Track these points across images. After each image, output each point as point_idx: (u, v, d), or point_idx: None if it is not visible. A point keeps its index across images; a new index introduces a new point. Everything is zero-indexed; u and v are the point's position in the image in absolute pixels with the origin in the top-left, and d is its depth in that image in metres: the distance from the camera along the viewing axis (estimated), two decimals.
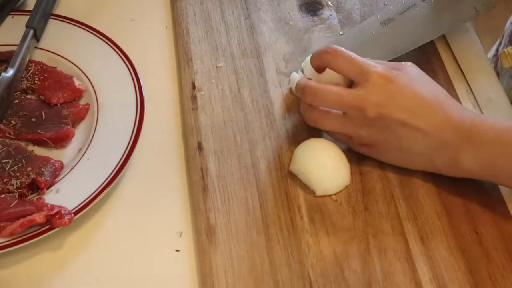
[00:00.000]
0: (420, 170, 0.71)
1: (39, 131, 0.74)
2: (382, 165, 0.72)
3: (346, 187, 0.70)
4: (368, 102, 0.67)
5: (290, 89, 0.79)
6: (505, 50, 0.92)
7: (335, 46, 0.71)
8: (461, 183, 0.71)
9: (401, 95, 0.68)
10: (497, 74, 0.89)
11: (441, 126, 0.67)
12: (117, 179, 0.69)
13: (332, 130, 0.71)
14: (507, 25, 1.01)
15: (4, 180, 0.70)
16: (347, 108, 0.69)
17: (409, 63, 0.72)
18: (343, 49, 0.70)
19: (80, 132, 0.76)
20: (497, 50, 1.02)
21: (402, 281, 0.64)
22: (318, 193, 0.70)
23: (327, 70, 0.73)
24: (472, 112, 0.72)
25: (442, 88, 0.71)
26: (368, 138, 0.70)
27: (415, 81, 0.69)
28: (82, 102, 0.78)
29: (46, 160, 0.71)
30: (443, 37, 0.86)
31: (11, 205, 0.67)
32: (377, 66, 0.69)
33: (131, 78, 0.78)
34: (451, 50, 0.84)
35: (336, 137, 0.73)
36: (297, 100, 0.78)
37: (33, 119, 0.76)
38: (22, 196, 0.69)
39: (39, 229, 0.65)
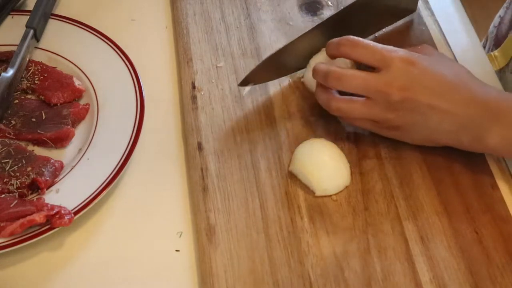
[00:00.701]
0: (443, 146, 0.71)
1: (39, 131, 0.74)
2: (382, 165, 0.72)
3: (346, 187, 0.70)
4: (393, 86, 0.68)
5: (302, 82, 0.79)
6: (492, 53, 0.92)
7: (351, 36, 0.71)
8: (461, 184, 0.71)
9: (425, 77, 0.68)
10: None
11: (466, 103, 0.68)
12: (117, 179, 0.69)
13: (359, 116, 0.71)
14: (491, 28, 1.01)
15: (4, 180, 0.70)
16: (372, 92, 0.69)
17: (425, 45, 0.73)
18: (359, 38, 0.71)
19: (80, 132, 0.76)
20: None
21: (402, 281, 0.64)
22: (318, 193, 0.70)
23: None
24: (496, 89, 0.72)
25: (463, 66, 0.72)
26: (395, 120, 0.70)
27: (436, 62, 0.70)
28: (82, 102, 0.78)
29: (46, 160, 0.71)
30: (443, 37, 0.86)
31: (11, 205, 0.67)
32: (398, 50, 0.70)
33: (131, 78, 0.78)
34: (451, 50, 0.84)
35: (358, 125, 0.72)
36: (298, 100, 0.78)
37: (33, 119, 0.76)
38: (22, 196, 0.69)
39: (39, 229, 0.65)
